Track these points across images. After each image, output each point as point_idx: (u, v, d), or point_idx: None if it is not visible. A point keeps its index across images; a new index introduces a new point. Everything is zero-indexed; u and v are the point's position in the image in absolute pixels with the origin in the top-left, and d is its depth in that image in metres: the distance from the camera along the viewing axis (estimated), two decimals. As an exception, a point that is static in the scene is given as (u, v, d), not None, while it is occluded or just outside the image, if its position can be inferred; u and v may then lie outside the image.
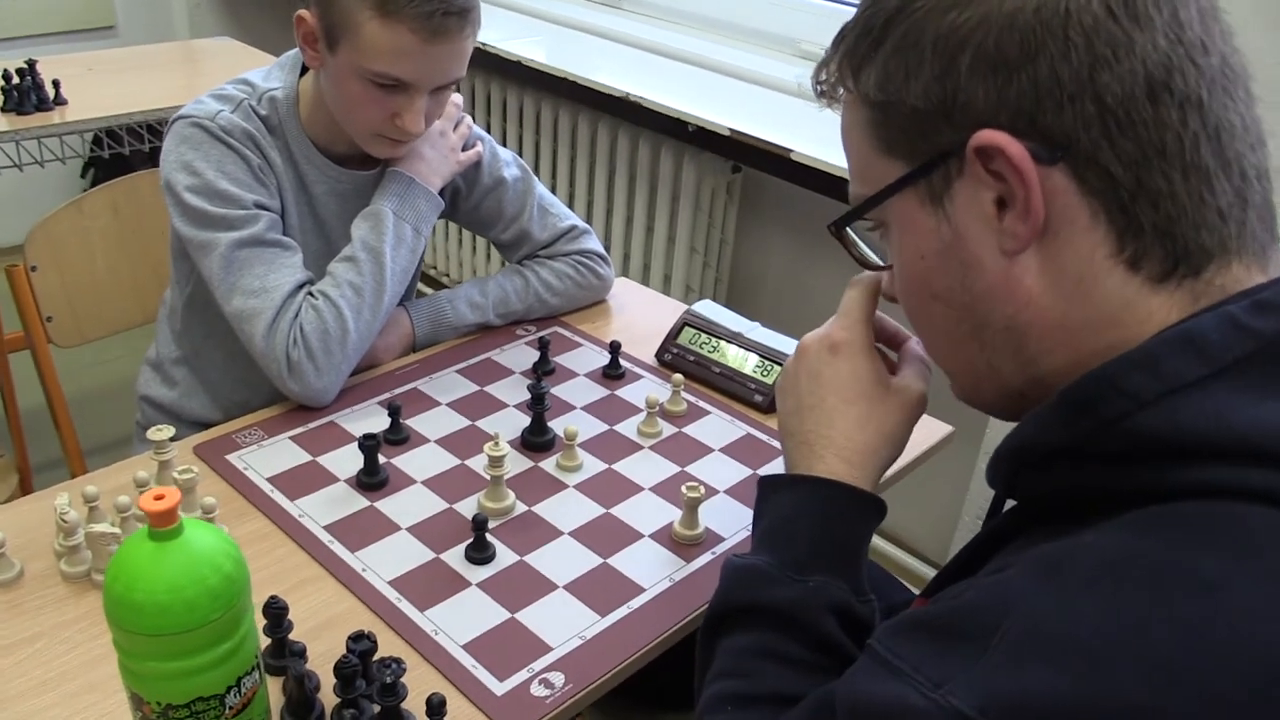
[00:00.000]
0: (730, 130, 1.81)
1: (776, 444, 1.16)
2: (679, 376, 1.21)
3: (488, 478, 1.03)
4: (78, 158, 2.84)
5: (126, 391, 1.47)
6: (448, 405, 1.20)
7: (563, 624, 0.90)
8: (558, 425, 1.16)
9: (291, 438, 1.12)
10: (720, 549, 1.01)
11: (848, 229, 0.67)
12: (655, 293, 1.55)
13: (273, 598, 0.81)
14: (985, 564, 0.59)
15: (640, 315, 1.42)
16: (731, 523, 1.04)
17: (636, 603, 0.93)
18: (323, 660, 0.83)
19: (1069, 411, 0.53)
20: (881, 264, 0.70)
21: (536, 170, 2.39)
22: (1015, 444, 0.56)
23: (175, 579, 0.63)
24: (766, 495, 0.75)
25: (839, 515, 0.71)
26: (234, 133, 1.14)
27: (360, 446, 1.05)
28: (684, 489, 1.00)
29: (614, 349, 1.28)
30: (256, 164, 1.15)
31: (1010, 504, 0.65)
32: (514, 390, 1.23)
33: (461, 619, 0.90)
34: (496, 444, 1.02)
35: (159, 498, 0.63)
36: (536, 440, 1.13)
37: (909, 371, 0.76)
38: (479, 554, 0.96)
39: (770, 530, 0.72)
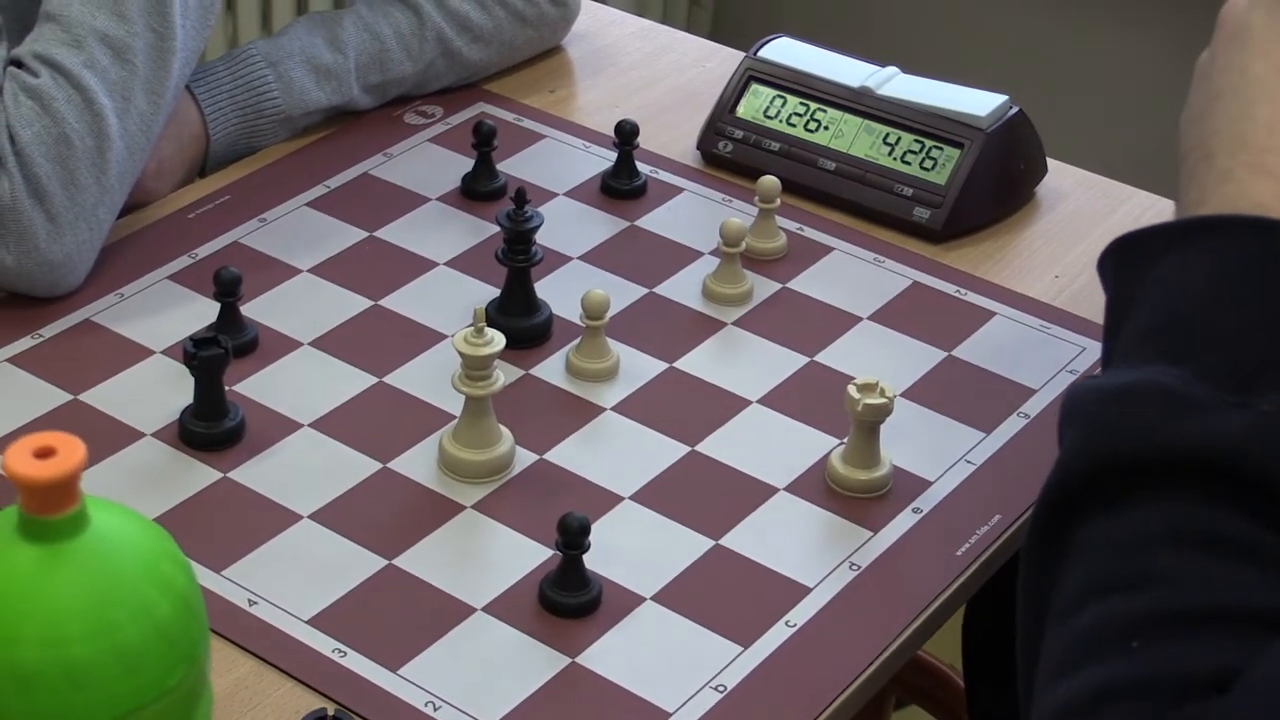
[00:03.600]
0: None
1: (970, 296, 1.18)
2: (770, 181, 1.18)
3: (460, 396, 1.01)
4: None
5: None
6: (311, 271, 1.19)
7: (677, 668, 0.92)
8: (553, 292, 1.15)
9: (14, 360, 1.10)
10: (925, 501, 1.02)
11: None
12: (649, 23, 1.53)
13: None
14: None
15: (638, 69, 1.43)
16: (930, 454, 1.05)
17: (800, 615, 0.95)
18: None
19: None
20: None
21: None
22: None
23: (97, 612, 0.63)
24: (1136, 267, 0.77)
25: (1256, 276, 0.73)
26: None
27: (188, 361, 1.01)
28: (852, 389, 0.99)
29: (625, 136, 1.25)
30: None
31: None
32: (436, 227, 1.24)
33: (477, 678, 0.90)
34: (480, 330, 0.99)
35: (45, 451, 0.59)
36: (519, 325, 1.11)
37: None
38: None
39: (1163, 323, 0.74)
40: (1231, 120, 0.79)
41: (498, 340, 0.99)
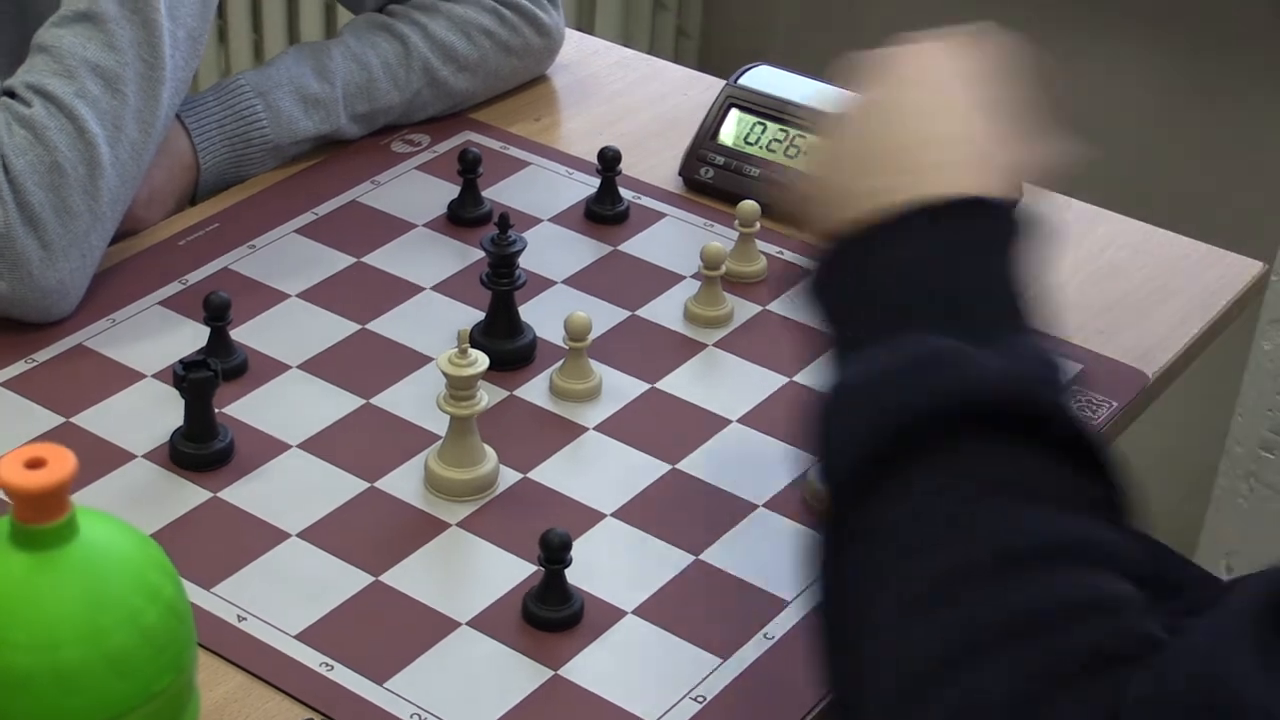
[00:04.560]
0: None
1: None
2: (750, 205, 1.20)
3: (445, 416, 1.02)
4: None
5: None
6: (300, 296, 1.21)
7: (657, 679, 0.93)
8: (537, 315, 1.16)
9: (7, 384, 1.12)
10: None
11: None
12: (632, 52, 1.55)
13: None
14: None
15: (621, 97, 1.45)
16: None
17: (779, 627, 0.96)
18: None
19: None
20: None
21: None
22: None
23: (87, 618, 0.65)
24: (849, 270, 0.80)
25: (962, 245, 0.80)
26: None
27: (178, 384, 1.02)
28: (827, 410, 1.01)
29: (608, 163, 1.27)
30: None
31: None
32: (423, 253, 1.25)
33: (462, 690, 0.92)
34: (464, 351, 1.00)
35: (36, 462, 0.60)
36: (504, 347, 1.12)
37: None
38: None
39: (883, 313, 0.79)
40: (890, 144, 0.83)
41: (481, 361, 1.00)
